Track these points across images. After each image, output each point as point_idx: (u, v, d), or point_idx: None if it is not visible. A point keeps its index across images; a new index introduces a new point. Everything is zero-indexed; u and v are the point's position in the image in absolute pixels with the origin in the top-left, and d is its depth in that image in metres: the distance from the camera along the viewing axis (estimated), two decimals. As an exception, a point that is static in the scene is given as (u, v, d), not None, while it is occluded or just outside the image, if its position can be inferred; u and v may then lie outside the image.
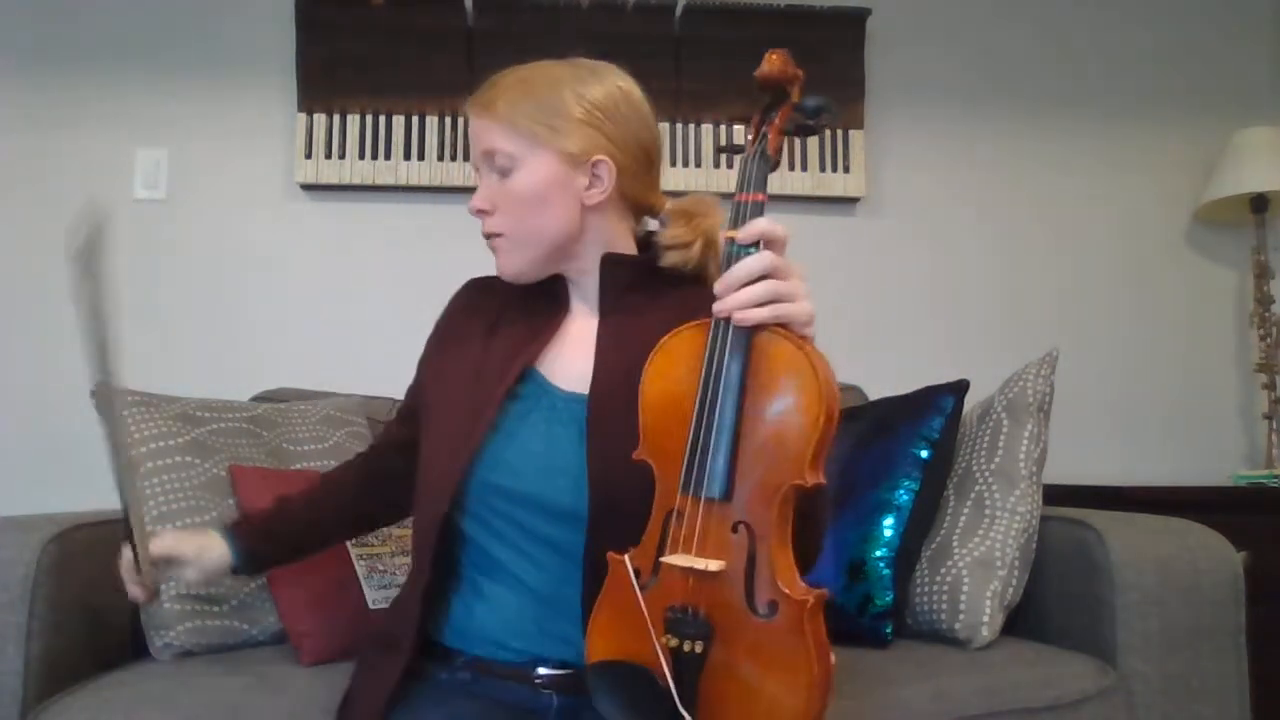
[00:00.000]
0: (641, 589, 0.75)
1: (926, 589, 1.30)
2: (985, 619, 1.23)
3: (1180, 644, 1.16)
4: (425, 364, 1.05)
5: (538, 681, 0.89)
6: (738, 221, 0.73)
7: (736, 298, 0.71)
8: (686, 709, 0.70)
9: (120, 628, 1.27)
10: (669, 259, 0.94)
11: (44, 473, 1.94)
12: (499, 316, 0.99)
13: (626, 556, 0.77)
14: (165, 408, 1.40)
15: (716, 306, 0.72)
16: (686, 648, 0.71)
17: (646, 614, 0.73)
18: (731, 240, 0.73)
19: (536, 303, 0.98)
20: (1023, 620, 1.31)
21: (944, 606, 1.26)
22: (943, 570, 1.29)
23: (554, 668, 0.89)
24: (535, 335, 0.95)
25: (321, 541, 1.14)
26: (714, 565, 0.72)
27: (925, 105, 2.24)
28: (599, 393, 0.88)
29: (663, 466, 0.77)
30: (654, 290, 0.94)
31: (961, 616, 1.24)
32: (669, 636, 0.72)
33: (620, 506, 0.81)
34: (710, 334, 0.74)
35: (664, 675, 0.72)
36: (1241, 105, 2.27)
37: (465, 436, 0.90)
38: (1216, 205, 2.16)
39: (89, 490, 1.62)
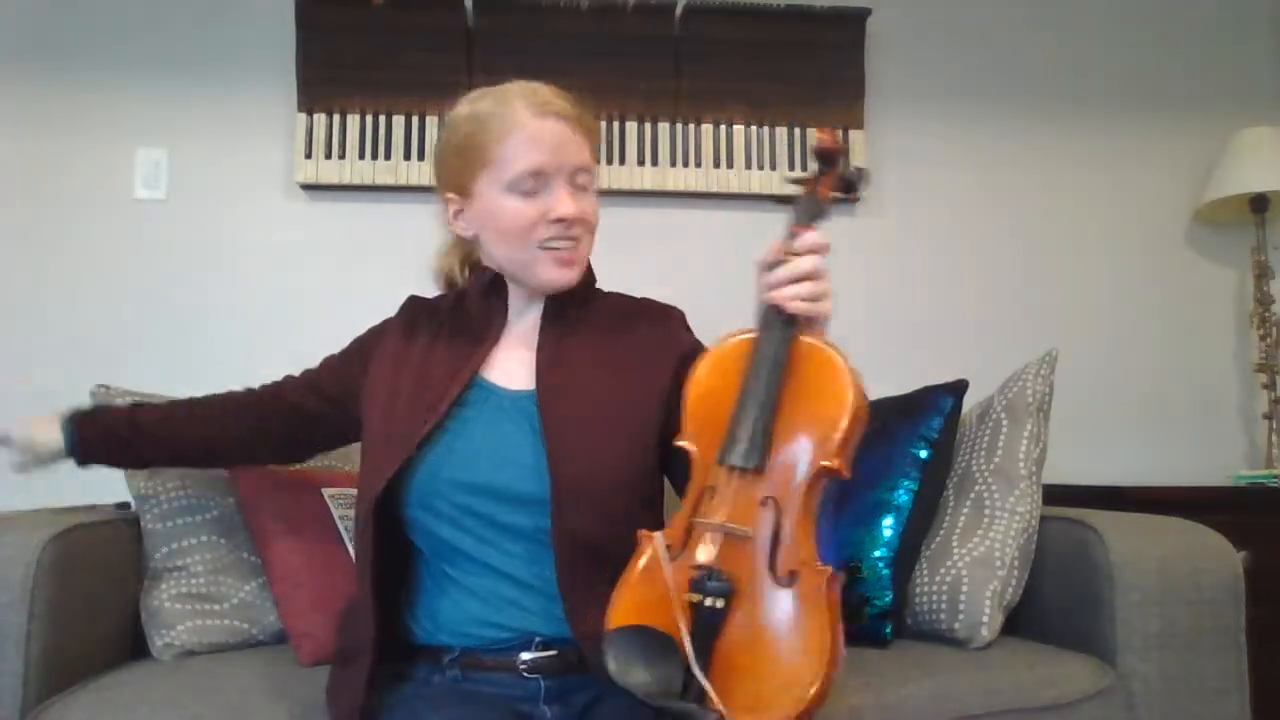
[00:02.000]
0: (671, 560, 0.81)
1: (926, 589, 1.30)
2: (985, 619, 1.23)
3: (1180, 644, 1.16)
4: (366, 375, 1.07)
5: (522, 668, 0.91)
6: (792, 239, 0.86)
7: (791, 290, 0.83)
8: (702, 668, 0.72)
9: (120, 628, 1.27)
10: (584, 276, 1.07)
11: (44, 473, 1.94)
12: (437, 334, 1.06)
13: (658, 534, 0.83)
14: (165, 408, 1.40)
15: (768, 295, 0.84)
16: (708, 603, 0.76)
17: (671, 580, 0.79)
18: (788, 255, 0.86)
19: (473, 319, 1.06)
20: (1022, 620, 1.31)
21: (943, 606, 1.26)
22: (942, 570, 1.29)
23: (538, 649, 0.92)
24: (478, 345, 1.03)
25: (168, 458, 1.22)
26: (742, 529, 0.78)
27: (925, 105, 2.24)
28: (550, 385, 0.97)
29: (703, 447, 0.86)
30: (582, 300, 1.07)
31: (961, 616, 1.24)
32: (692, 594, 0.77)
33: (581, 487, 0.91)
34: (759, 320, 0.85)
35: (682, 640, 0.74)
36: (1241, 105, 2.27)
37: (410, 436, 0.95)
38: (1216, 205, 2.16)
39: (89, 490, 1.62)
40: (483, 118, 0.98)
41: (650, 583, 0.80)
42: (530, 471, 0.92)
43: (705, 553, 0.78)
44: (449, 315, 1.08)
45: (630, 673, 0.73)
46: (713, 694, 0.71)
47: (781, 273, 0.84)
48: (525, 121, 0.96)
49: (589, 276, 1.09)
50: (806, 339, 0.84)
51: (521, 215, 0.97)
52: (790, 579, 0.76)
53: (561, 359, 1.00)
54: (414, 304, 1.13)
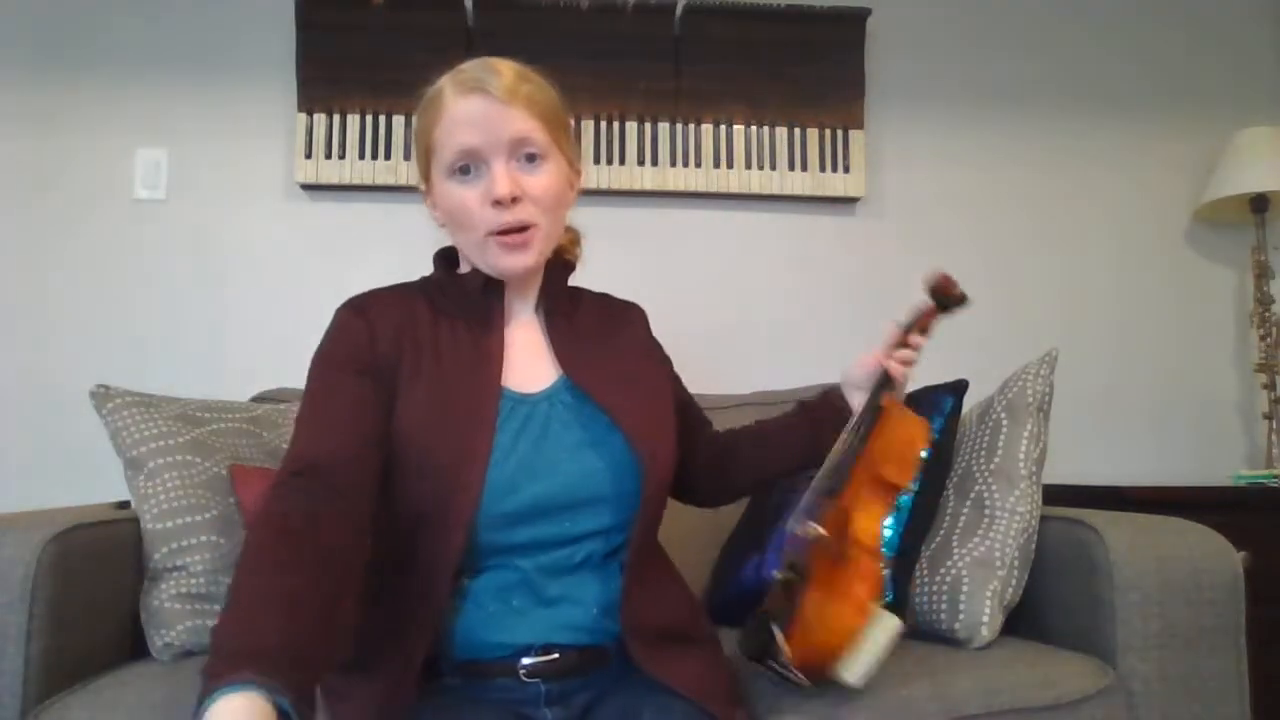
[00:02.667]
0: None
1: (926, 589, 1.30)
2: (985, 619, 1.23)
3: (1180, 644, 1.16)
4: (398, 383, 0.92)
5: (522, 672, 0.89)
6: (906, 332, 1.15)
7: (901, 362, 1.10)
8: (784, 624, 0.95)
9: (120, 628, 1.27)
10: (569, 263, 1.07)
11: (44, 473, 1.95)
12: (429, 340, 0.95)
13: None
14: (165, 408, 1.40)
15: (889, 363, 1.09)
16: (792, 575, 1.01)
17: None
18: (905, 343, 1.13)
19: (465, 318, 0.98)
20: (1023, 620, 1.31)
21: (944, 606, 1.26)
22: (942, 570, 1.29)
23: (538, 654, 0.90)
24: (485, 353, 0.95)
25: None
26: (818, 531, 1.03)
27: (925, 105, 2.24)
28: (589, 384, 0.95)
29: None
30: (572, 297, 1.06)
31: (961, 616, 1.24)
32: (783, 571, 1.01)
33: (659, 478, 0.95)
34: (878, 378, 1.12)
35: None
36: (1241, 105, 2.27)
37: (471, 455, 0.87)
38: (1216, 205, 2.16)
39: (89, 490, 1.63)
40: (424, 104, 0.97)
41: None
42: (604, 473, 0.92)
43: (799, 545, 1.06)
44: (430, 316, 0.97)
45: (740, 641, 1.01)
46: (777, 636, 0.94)
47: (906, 353, 1.10)
48: (450, 102, 0.93)
49: (563, 264, 1.05)
50: (890, 397, 1.10)
51: (461, 200, 0.93)
52: (846, 559, 1.00)
53: (582, 360, 0.98)
54: (366, 309, 0.96)
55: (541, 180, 0.93)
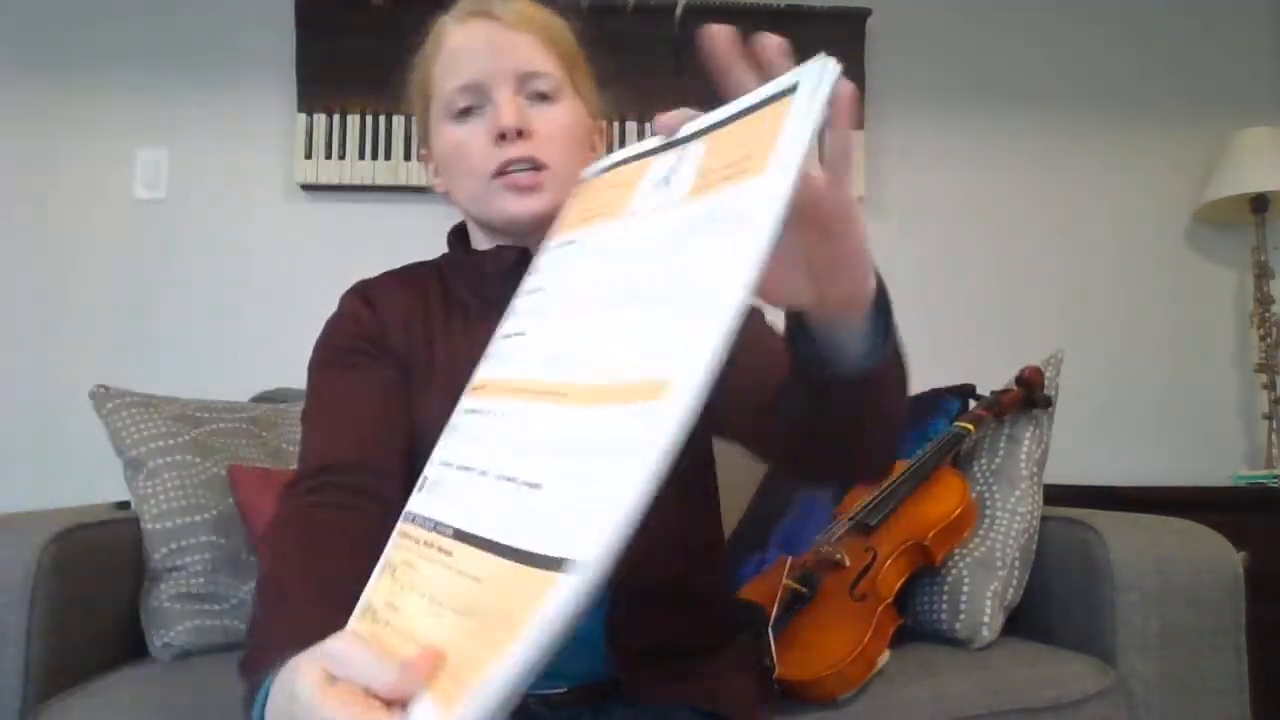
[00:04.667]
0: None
1: (927, 589, 1.30)
2: (985, 619, 1.23)
3: (1180, 644, 1.16)
4: (412, 376, 0.80)
5: (531, 703, 0.77)
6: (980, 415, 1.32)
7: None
8: (779, 630, 1.01)
9: (120, 628, 1.27)
10: None
11: (44, 473, 1.94)
12: (442, 331, 0.81)
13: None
14: (165, 408, 1.40)
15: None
16: (802, 589, 1.09)
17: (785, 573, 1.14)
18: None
19: (481, 302, 0.81)
20: (1023, 620, 1.31)
21: (944, 607, 1.26)
22: (943, 570, 1.29)
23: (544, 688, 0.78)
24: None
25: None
26: (842, 558, 1.15)
27: (925, 105, 2.24)
28: None
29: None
30: None
31: (962, 617, 1.24)
32: (794, 582, 1.10)
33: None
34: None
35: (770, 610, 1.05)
36: (1241, 105, 2.27)
37: None
38: (1216, 205, 2.16)
39: (89, 490, 1.63)
40: (422, 47, 0.85)
41: (774, 574, 1.18)
42: None
43: (810, 562, 1.17)
44: (448, 299, 0.84)
45: None
46: (772, 646, 0.97)
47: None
48: (449, 31, 0.81)
49: None
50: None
51: (462, 141, 0.78)
52: (861, 597, 1.09)
53: None
54: (380, 290, 0.86)
55: (559, 116, 0.79)
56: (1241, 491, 1.91)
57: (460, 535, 0.43)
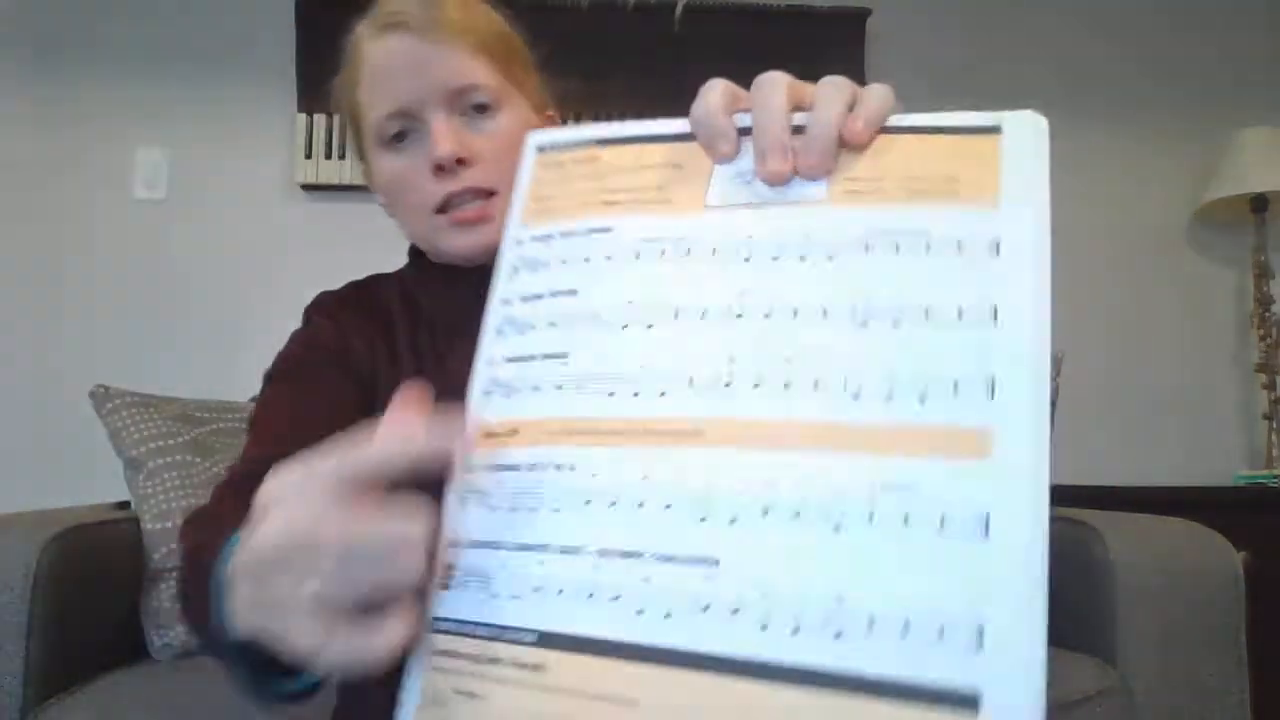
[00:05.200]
0: None
1: (926, 589, 1.30)
2: (985, 619, 1.23)
3: (1180, 644, 1.16)
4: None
5: None
6: None
7: None
8: None
9: (120, 628, 1.27)
10: None
11: (44, 473, 1.94)
12: (408, 350, 0.75)
13: None
14: (165, 408, 1.40)
15: None
16: None
17: None
18: None
19: (445, 320, 0.74)
20: (1023, 620, 1.31)
21: (944, 606, 1.26)
22: (943, 570, 1.29)
23: None
24: (460, 370, 0.66)
25: None
26: None
27: (925, 105, 2.23)
28: None
29: None
30: None
31: (961, 616, 1.24)
32: None
33: None
34: None
35: None
36: (1241, 105, 2.27)
37: None
38: (1216, 205, 2.16)
39: (89, 490, 1.62)
40: (343, 65, 0.76)
41: None
42: None
43: None
44: (405, 308, 0.78)
45: None
46: None
47: None
48: (366, 49, 0.72)
49: None
50: None
51: (399, 174, 0.71)
52: None
53: None
54: (342, 303, 0.82)
55: (496, 135, 0.70)
56: (1241, 491, 1.92)
57: (663, 656, 0.31)
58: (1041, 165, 0.42)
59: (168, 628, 1.25)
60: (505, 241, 0.46)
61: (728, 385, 0.36)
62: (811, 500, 0.32)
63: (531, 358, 0.41)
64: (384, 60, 0.70)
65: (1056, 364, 1.38)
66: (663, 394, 0.36)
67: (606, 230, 0.42)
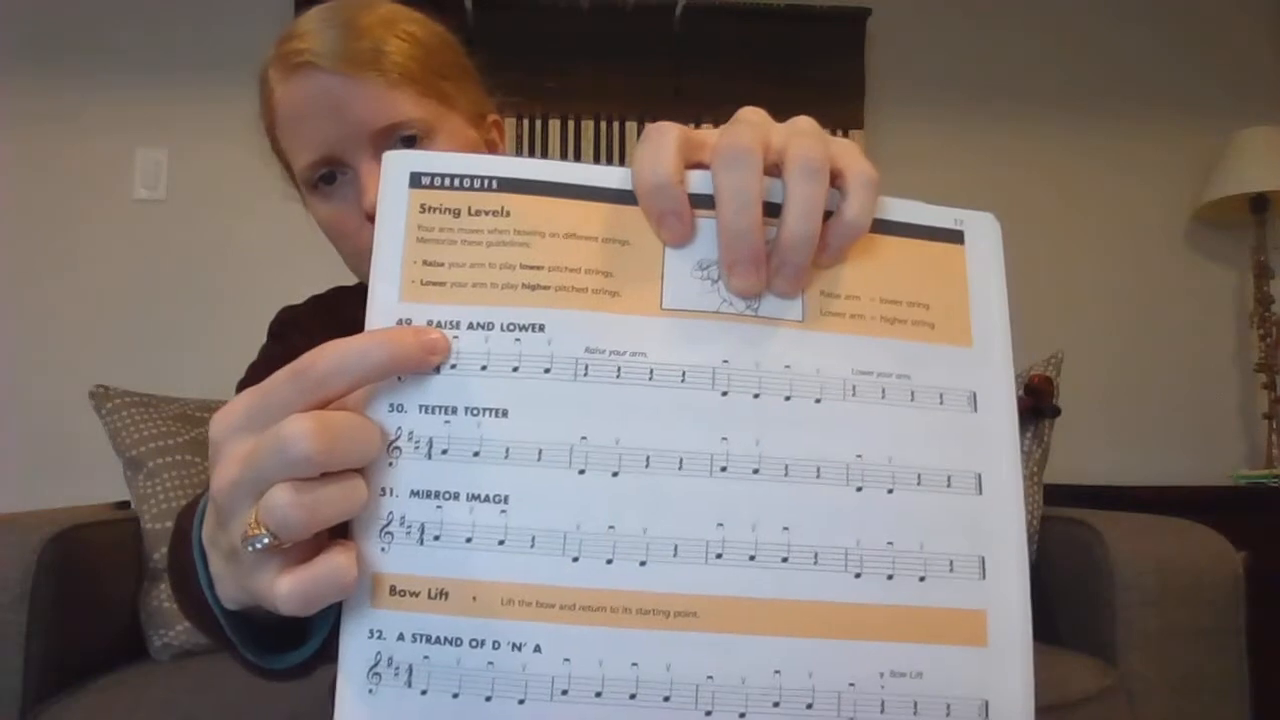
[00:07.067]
0: None
1: (926, 589, 1.30)
2: (985, 619, 1.23)
3: (1180, 644, 1.16)
4: None
5: None
6: None
7: None
8: None
9: (120, 628, 1.27)
10: None
11: (44, 473, 1.94)
12: None
13: None
14: (165, 408, 1.40)
15: None
16: None
17: None
18: None
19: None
20: (1023, 620, 1.31)
21: (944, 606, 1.27)
22: (943, 570, 1.29)
23: None
24: None
25: None
26: None
27: (925, 105, 2.24)
28: None
29: None
30: None
31: (961, 616, 1.24)
32: None
33: None
34: None
35: None
36: (1241, 105, 2.27)
37: None
38: (1216, 205, 2.16)
39: (89, 490, 1.63)
40: (260, 106, 0.70)
41: None
42: None
43: None
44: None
45: None
46: None
47: None
48: (278, 93, 0.65)
49: None
50: None
51: (331, 220, 0.69)
52: None
53: None
54: (312, 315, 0.82)
55: None
56: (1241, 491, 1.91)
57: None
58: (999, 275, 0.40)
59: (168, 628, 1.24)
60: (372, 316, 0.34)
61: (719, 557, 0.31)
62: (822, 692, 0.31)
63: (454, 496, 0.32)
64: (298, 106, 0.64)
65: (1056, 363, 1.38)
66: (642, 564, 0.31)
67: (538, 329, 0.33)
